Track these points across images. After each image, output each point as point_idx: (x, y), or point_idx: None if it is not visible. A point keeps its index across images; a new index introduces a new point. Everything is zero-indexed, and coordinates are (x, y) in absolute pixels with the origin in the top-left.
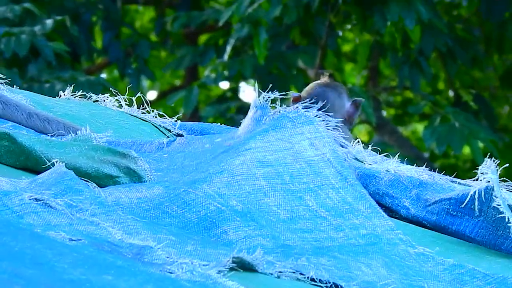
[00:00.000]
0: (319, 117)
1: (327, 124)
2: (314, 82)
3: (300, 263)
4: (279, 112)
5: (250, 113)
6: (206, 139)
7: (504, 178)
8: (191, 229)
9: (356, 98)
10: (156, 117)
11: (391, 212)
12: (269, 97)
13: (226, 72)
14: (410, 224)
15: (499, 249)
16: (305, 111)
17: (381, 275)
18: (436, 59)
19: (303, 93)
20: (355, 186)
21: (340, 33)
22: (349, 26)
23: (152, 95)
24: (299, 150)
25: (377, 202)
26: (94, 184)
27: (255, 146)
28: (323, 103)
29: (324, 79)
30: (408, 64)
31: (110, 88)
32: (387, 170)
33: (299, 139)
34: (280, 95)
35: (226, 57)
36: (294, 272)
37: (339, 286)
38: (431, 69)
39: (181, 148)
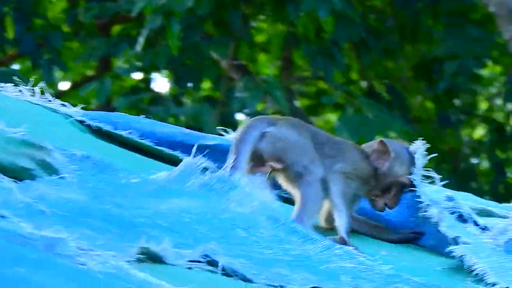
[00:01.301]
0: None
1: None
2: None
3: (209, 246)
4: (207, 179)
5: (180, 167)
6: (122, 174)
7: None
8: (108, 225)
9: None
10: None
11: None
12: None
13: (139, 63)
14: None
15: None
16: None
17: (304, 277)
18: (350, 50)
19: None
20: (288, 223)
21: (254, 24)
22: (262, 17)
23: (64, 86)
24: (227, 207)
25: None
26: (7, 178)
27: (180, 202)
28: None
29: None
30: (322, 55)
31: (22, 79)
32: None
33: (227, 203)
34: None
35: (139, 48)
36: (204, 260)
37: (249, 280)
38: (345, 59)
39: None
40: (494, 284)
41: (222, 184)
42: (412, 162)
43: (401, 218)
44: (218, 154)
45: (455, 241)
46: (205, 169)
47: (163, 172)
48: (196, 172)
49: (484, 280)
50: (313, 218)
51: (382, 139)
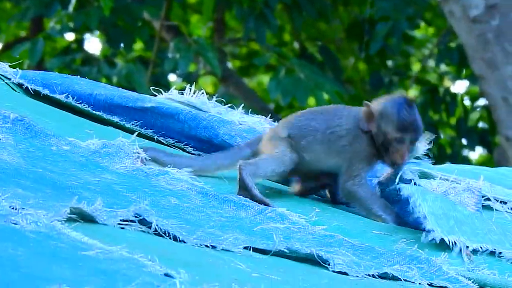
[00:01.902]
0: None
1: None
2: (399, 102)
3: (142, 207)
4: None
5: (114, 145)
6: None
7: None
8: (40, 186)
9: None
10: None
11: (240, 149)
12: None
13: (71, 24)
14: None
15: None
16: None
17: (235, 238)
18: (282, 11)
19: (387, 111)
20: (219, 195)
21: None
22: None
23: None
24: (157, 184)
25: (225, 142)
26: None
27: (111, 177)
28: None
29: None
30: (254, 16)
31: None
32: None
33: (157, 182)
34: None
35: (71, 8)
36: (136, 220)
37: (180, 240)
38: (277, 21)
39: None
40: (429, 231)
41: (152, 169)
42: (400, 113)
43: None
44: (156, 116)
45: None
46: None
47: (95, 140)
48: (129, 153)
49: (420, 238)
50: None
51: (369, 102)
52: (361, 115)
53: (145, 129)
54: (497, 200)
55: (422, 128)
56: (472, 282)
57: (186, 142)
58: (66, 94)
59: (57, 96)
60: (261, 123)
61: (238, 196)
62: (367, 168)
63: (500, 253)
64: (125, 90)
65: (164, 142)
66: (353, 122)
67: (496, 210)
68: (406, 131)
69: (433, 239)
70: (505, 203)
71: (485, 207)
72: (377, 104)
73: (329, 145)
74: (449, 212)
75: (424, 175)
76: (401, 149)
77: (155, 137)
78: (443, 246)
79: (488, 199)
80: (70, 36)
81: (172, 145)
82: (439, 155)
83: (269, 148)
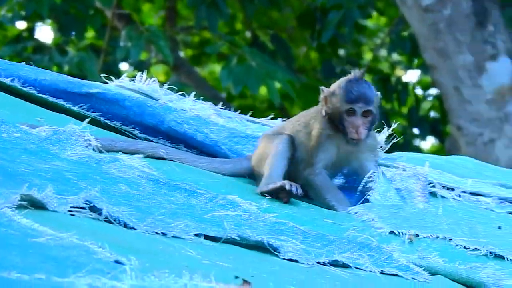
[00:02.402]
0: None
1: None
2: (348, 79)
3: (92, 193)
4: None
5: (65, 132)
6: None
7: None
8: None
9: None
10: None
11: (186, 137)
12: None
13: (22, 12)
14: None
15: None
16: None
17: (186, 225)
18: (234, 0)
19: (337, 88)
20: (170, 182)
21: None
22: None
23: None
24: (108, 172)
25: (172, 129)
26: None
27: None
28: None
29: (358, 74)
30: (206, 5)
31: None
32: (182, 109)
33: (108, 170)
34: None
35: None
36: (87, 207)
37: (130, 227)
38: (229, 9)
39: None
40: (379, 228)
41: (101, 156)
42: (347, 86)
43: None
44: (101, 102)
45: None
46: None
47: (46, 127)
48: (80, 140)
49: (367, 227)
50: None
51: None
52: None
53: (92, 111)
54: (444, 187)
55: (373, 99)
56: (423, 269)
57: (133, 126)
58: (11, 78)
59: (2, 79)
60: (209, 110)
61: (190, 183)
62: (324, 156)
63: (450, 239)
64: (70, 77)
65: (111, 125)
66: (314, 113)
67: (443, 197)
68: (354, 102)
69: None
70: (452, 189)
71: (433, 194)
72: (331, 87)
73: (300, 140)
74: (397, 214)
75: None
76: (354, 122)
77: (102, 119)
78: (394, 233)
79: (435, 186)
80: (21, 25)
81: (119, 129)
82: (391, 145)
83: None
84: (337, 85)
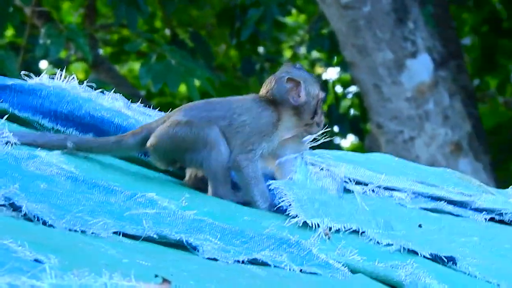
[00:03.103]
0: None
1: None
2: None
3: (12, 190)
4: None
5: None
6: None
7: None
8: None
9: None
10: None
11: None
12: None
13: None
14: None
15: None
16: None
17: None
18: None
19: (308, 76)
20: (87, 180)
21: None
22: None
23: None
24: (25, 170)
25: (89, 114)
26: None
27: None
28: None
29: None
30: (125, 2)
31: None
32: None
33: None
34: None
35: None
36: (7, 204)
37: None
38: (148, 7)
39: None
40: (294, 217)
41: (19, 153)
42: (313, 76)
43: None
44: (15, 93)
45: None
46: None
47: None
48: None
49: (290, 224)
50: None
51: (287, 76)
52: (280, 91)
53: (11, 108)
54: (360, 183)
55: None
56: (343, 266)
57: (42, 116)
58: None
59: None
60: (128, 106)
61: (108, 181)
62: (267, 146)
63: (363, 232)
64: None
65: (20, 115)
66: (255, 100)
67: (357, 192)
68: (323, 90)
69: (297, 222)
70: (366, 184)
71: (349, 190)
72: (294, 74)
73: (229, 130)
74: (315, 196)
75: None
76: (321, 111)
77: (10, 110)
78: (313, 229)
79: (348, 182)
80: None
81: (27, 120)
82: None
83: None
84: (300, 74)
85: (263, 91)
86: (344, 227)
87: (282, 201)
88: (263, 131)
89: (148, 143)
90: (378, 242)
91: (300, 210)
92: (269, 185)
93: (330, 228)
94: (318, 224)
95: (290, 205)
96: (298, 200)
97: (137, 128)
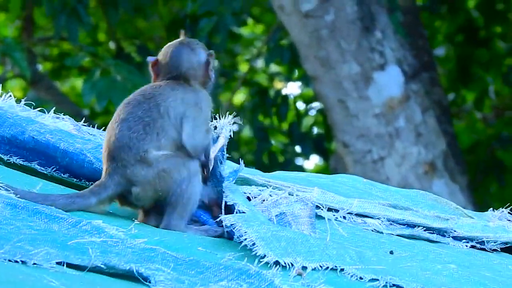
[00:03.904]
0: None
1: None
2: (169, 43)
3: None
4: None
5: None
6: None
7: None
8: None
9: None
10: None
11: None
12: None
13: None
14: None
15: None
16: None
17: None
18: (97, 8)
19: (160, 56)
20: (29, 207)
21: None
22: None
23: None
24: None
25: (34, 139)
26: None
27: None
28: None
29: (180, 39)
30: (66, 13)
31: None
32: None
33: None
34: None
35: None
36: None
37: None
38: (91, 18)
39: None
40: (263, 257)
41: None
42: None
43: None
44: None
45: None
46: None
47: None
48: None
49: (251, 253)
50: None
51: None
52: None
53: None
54: (331, 209)
55: None
56: None
57: None
58: None
59: None
60: (71, 126)
61: (50, 207)
62: None
63: (342, 269)
64: None
65: None
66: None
67: (328, 219)
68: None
69: (267, 262)
70: (337, 211)
71: (318, 216)
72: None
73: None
74: (279, 233)
75: (245, 182)
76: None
77: None
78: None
79: (319, 207)
80: None
81: None
82: (270, 164)
83: None
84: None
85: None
86: (320, 267)
87: (244, 240)
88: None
89: (135, 196)
90: (361, 278)
91: (268, 249)
92: (220, 220)
93: (304, 268)
94: (291, 264)
95: (254, 244)
96: (262, 238)
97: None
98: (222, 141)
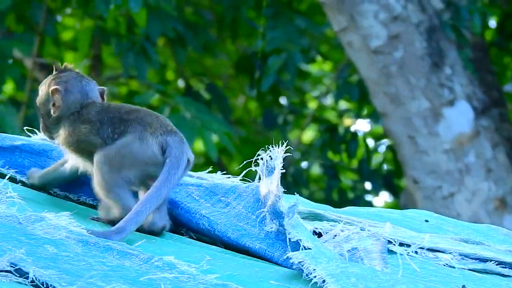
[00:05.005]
0: None
1: None
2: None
3: (18, 255)
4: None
5: None
6: None
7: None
8: None
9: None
10: None
11: None
12: None
13: None
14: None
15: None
16: None
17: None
18: (165, 46)
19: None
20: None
21: (59, 19)
22: (68, 11)
23: None
24: (33, 233)
25: None
26: None
27: None
28: None
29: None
30: (134, 51)
31: None
32: None
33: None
34: None
35: None
36: (13, 270)
37: None
38: (159, 57)
39: None
40: None
41: (25, 215)
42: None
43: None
44: (25, 155)
45: (292, 245)
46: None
47: None
48: (1, 198)
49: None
50: None
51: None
52: None
53: (7, 168)
54: (402, 244)
55: None
56: None
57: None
58: None
59: None
60: None
61: (121, 243)
62: None
63: None
64: None
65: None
66: None
67: (400, 254)
68: None
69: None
70: (409, 246)
71: (390, 251)
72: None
73: None
74: (348, 269)
75: (317, 217)
76: None
77: (17, 177)
78: None
79: (391, 242)
80: None
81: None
82: (340, 201)
83: None
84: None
85: None
86: None
87: (314, 277)
88: None
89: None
90: None
91: (338, 285)
92: (288, 258)
93: None
94: None
95: (324, 281)
96: (331, 275)
97: None
98: (278, 174)
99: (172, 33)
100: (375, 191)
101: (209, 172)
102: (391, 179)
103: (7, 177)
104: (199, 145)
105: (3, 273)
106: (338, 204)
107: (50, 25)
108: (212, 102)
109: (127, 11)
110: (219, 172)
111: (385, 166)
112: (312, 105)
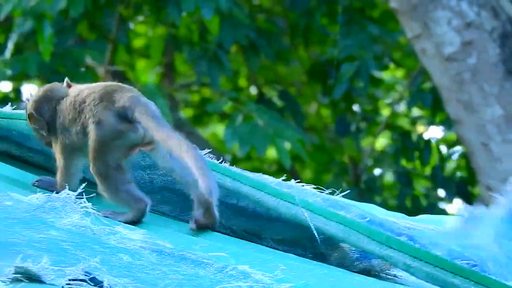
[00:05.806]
0: None
1: None
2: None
3: (92, 264)
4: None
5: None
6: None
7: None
8: None
9: None
10: None
11: None
12: None
13: (8, 71)
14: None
15: None
16: None
17: None
18: (237, 54)
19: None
20: (175, 253)
21: (132, 26)
22: (141, 18)
23: None
24: (107, 243)
25: None
26: None
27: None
28: None
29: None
30: (206, 59)
31: None
32: None
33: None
34: None
35: (8, 54)
36: (87, 279)
37: None
38: (231, 64)
39: None
40: None
41: (100, 226)
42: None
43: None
44: None
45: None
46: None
47: (38, 194)
48: (76, 208)
49: None
50: None
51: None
52: None
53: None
54: None
55: None
56: None
57: None
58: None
59: None
60: None
61: (196, 253)
62: None
63: None
64: None
65: None
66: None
67: None
68: None
69: None
70: None
71: None
72: None
73: None
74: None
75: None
76: None
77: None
78: None
79: None
80: (7, 85)
81: None
82: (413, 208)
83: None
84: None
85: None
86: None
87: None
88: None
89: None
90: None
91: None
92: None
93: None
94: None
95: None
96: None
97: None
98: None
99: (244, 40)
100: (448, 199)
101: (284, 180)
102: (465, 187)
103: (81, 186)
104: (272, 152)
105: (78, 282)
106: (411, 212)
107: (123, 32)
108: (285, 110)
109: (199, 19)
110: (292, 180)
111: (458, 174)
112: (385, 112)
